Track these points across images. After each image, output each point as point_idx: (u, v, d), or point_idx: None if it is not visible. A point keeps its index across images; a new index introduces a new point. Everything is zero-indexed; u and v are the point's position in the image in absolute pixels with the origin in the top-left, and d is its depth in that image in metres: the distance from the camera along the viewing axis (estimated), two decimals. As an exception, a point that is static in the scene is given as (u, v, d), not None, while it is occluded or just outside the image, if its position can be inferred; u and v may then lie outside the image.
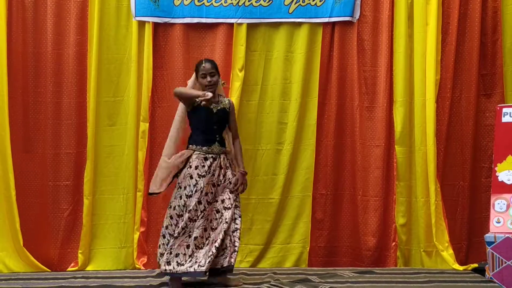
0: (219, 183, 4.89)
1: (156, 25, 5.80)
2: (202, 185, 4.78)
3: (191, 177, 4.81)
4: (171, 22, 5.82)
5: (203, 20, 5.84)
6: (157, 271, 5.59)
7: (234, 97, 5.78)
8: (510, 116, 5.46)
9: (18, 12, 5.71)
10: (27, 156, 5.76)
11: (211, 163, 4.85)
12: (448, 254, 5.72)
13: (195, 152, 4.87)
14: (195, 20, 5.84)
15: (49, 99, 5.77)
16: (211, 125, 4.89)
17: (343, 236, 5.96)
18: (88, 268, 5.75)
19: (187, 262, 4.70)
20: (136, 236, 5.76)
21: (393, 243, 5.87)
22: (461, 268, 5.65)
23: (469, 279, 5.26)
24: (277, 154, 5.92)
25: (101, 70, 5.76)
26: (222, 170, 4.91)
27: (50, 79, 5.76)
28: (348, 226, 5.96)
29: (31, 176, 5.76)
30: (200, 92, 4.75)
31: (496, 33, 5.94)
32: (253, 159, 5.90)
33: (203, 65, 4.91)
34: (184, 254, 4.74)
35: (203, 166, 4.82)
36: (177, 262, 4.74)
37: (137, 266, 5.75)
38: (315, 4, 5.87)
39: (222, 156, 4.92)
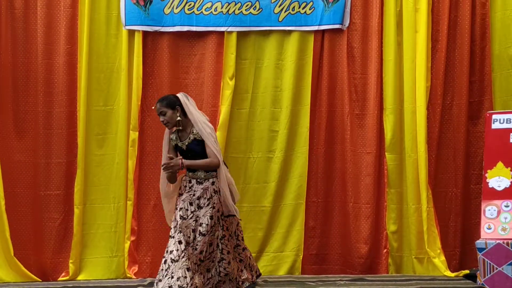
0: (200, 205, 4.75)
1: (146, 34, 5.82)
2: (178, 202, 4.80)
3: (177, 205, 4.83)
4: (161, 30, 5.83)
5: (193, 29, 5.86)
6: (148, 280, 5.59)
7: (225, 105, 5.80)
8: (500, 122, 5.47)
9: (8, 22, 5.73)
10: (17, 166, 5.75)
11: (193, 184, 4.79)
12: (439, 261, 5.72)
13: (183, 178, 4.89)
14: (185, 29, 5.85)
15: (40, 108, 5.77)
16: (189, 158, 4.81)
17: (335, 243, 5.96)
18: (79, 277, 5.74)
19: (164, 277, 4.57)
20: (127, 245, 5.75)
21: (385, 250, 5.87)
22: (452, 274, 5.66)
23: (461, 286, 5.28)
24: (268, 162, 5.93)
25: (91, 79, 5.76)
26: (208, 193, 4.77)
27: (41, 89, 5.77)
28: (340, 234, 5.96)
29: (22, 186, 5.76)
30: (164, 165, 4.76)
31: (484, 39, 5.97)
32: (244, 167, 5.90)
33: (154, 107, 4.89)
34: (161, 269, 4.63)
35: (185, 186, 4.81)
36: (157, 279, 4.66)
37: (128, 275, 5.74)
38: (305, 12, 5.89)
39: (211, 180, 4.81)
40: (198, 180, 4.79)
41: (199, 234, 4.66)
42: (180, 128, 4.82)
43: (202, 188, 4.76)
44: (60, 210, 5.78)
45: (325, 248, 5.94)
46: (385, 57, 5.91)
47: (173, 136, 4.91)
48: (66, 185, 5.77)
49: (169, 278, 4.51)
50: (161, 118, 4.82)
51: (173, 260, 4.56)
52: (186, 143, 4.82)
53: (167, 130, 4.93)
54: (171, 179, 4.83)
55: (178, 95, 4.89)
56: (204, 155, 4.79)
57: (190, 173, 4.83)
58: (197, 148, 4.79)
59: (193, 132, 4.82)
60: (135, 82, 5.77)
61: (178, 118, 4.78)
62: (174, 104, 4.80)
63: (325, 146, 5.94)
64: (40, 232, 5.77)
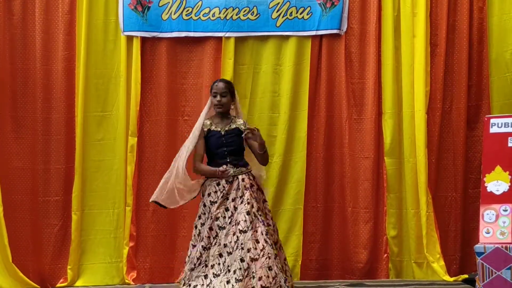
0: (236, 205, 4.52)
1: (144, 40, 5.82)
2: (213, 211, 4.53)
3: (205, 205, 4.62)
4: (159, 36, 5.84)
5: (191, 34, 5.86)
6: (147, 286, 5.59)
7: (223, 110, 5.80)
8: (498, 126, 5.45)
9: (6, 28, 5.72)
10: (16, 172, 5.75)
11: (224, 187, 4.57)
12: (439, 266, 5.72)
13: (208, 180, 4.66)
14: (183, 34, 5.86)
15: (38, 114, 5.77)
16: (220, 148, 4.66)
17: (334, 248, 5.95)
18: (77, 283, 5.73)
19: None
20: (126, 251, 5.74)
21: (385, 255, 5.87)
22: (451, 279, 5.66)
23: (460, 290, 5.28)
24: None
25: (89, 85, 5.77)
26: (240, 192, 4.54)
27: (39, 95, 5.77)
28: (339, 239, 5.95)
29: (20, 192, 5.75)
30: (216, 169, 4.59)
31: (481, 44, 5.97)
32: (242, 172, 5.90)
33: (216, 83, 4.74)
34: (202, 284, 4.44)
35: (216, 192, 4.57)
36: None
37: (126, 281, 5.73)
38: (302, 17, 5.90)
39: (240, 177, 4.59)
40: (228, 180, 4.59)
41: (239, 233, 4.41)
42: (221, 114, 4.71)
43: (234, 189, 4.56)
44: (59, 216, 5.77)
45: (324, 253, 5.94)
46: (383, 62, 5.91)
47: (207, 122, 4.75)
48: (65, 191, 5.76)
49: None
50: (218, 98, 4.65)
51: (215, 275, 4.41)
52: (226, 129, 4.70)
53: (201, 121, 4.75)
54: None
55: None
56: (239, 149, 4.67)
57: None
58: (235, 138, 4.67)
59: (236, 122, 4.74)
60: (133, 87, 5.77)
61: (232, 107, 4.74)
62: (234, 92, 4.78)
63: (324, 151, 5.94)
64: (39, 238, 5.76)
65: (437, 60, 5.93)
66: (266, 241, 4.38)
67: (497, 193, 5.30)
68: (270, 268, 4.30)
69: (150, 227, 5.80)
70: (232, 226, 4.46)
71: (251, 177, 4.65)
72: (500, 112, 5.75)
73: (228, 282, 4.32)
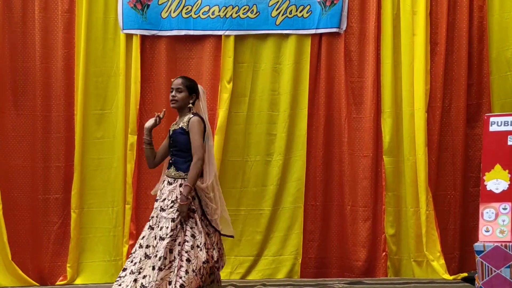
0: (164, 207, 4.32)
1: (143, 38, 5.83)
2: (153, 211, 4.41)
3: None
4: (159, 34, 5.84)
5: (191, 33, 5.86)
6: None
7: (222, 109, 5.81)
8: (498, 125, 5.45)
9: (5, 26, 5.73)
10: (16, 170, 5.76)
11: (164, 187, 4.40)
12: (438, 264, 5.72)
13: (163, 176, 4.55)
14: (183, 33, 5.86)
15: (38, 112, 5.78)
16: (170, 148, 4.50)
17: (333, 247, 5.96)
18: (77, 281, 5.74)
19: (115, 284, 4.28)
20: (125, 249, 5.74)
21: (383, 253, 5.87)
22: (451, 277, 5.65)
23: (459, 289, 5.28)
24: (266, 165, 5.93)
25: (89, 83, 5.77)
26: (173, 195, 4.32)
27: (39, 93, 5.77)
28: (338, 237, 5.96)
29: (20, 190, 5.76)
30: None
31: (482, 42, 5.97)
32: (242, 171, 5.90)
33: (174, 79, 4.52)
34: (119, 276, 4.35)
35: (161, 189, 4.43)
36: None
37: (126, 279, 5.73)
38: (302, 15, 5.89)
39: (179, 181, 4.35)
40: (169, 180, 4.41)
41: (159, 239, 4.23)
42: (178, 112, 4.50)
43: (168, 190, 4.35)
44: (59, 214, 5.79)
45: (323, 252, 5.94)
46: (382, 61, 5.91)
47: (174, 123, 4.60)
48: (64, 189, 5.77)
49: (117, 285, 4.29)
50: (173, 93, 4.43)
51: (132, 272, 4.27)
52: (173, 128, 4.49)
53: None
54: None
55: (199, 86, 4.59)
56: (183, 149, 4.38)
57: (166, 170, 4.50)
58: (179, 138, 4.39)
59: (183, 120, 4.43)
60: (133, 86, 5.77)
61: (190, 105, 4.45)
62: (193, 90, 4.49)
63: (323, 149, 5.94)
64: (38, 236, 5.77)
65: (437, 59, 5.93)
66: (178, 253, 4.23)
67: (497, 191, 5.31)
68: (169, 283, 4.17)
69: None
70: (157, 227, 4.30)
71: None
72: (500, 111, 5.75)
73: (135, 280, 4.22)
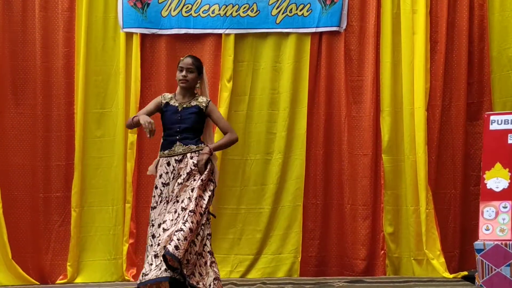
0: (182, 182, 4.34)
1: (143, 36, 5.83)
2: (167, 194, 4.37)
3: (156, 187, 4.45)
4: (159, 33, 5.85)
5: (191, 31, 5.87)
6: (147, 282, 5.58)
7: (223, 107, 5.80)
8: (498, 123, 5.46)
9: (6, 25, 5.74)
10: (16, 169, 5.76)
11: (174, 167, 4.40)
12: (438, 263, 5.71)
13: (160, 159, 4.49)
14: (183, 31, 5.86)
15: (39, 111, 5.79)
16: (173, 125, 4.46)
17: (333, 245, 5.96)
18: (77, 280, 5.75)
19: (152, 270, 4.18)
20: (125, 247, 5.75)
21: (382, 252, 5.87)
22: (451, 276, 5.65)
23: (459, 287, 5.27)
24: (266, 164, 5.93)
25: (89, 82, 5.78)
26: (188, 168, 4.36)
27: (40, 92, 5.78)
28: (338, 235, 5.95)
29: (20, 188, 5.77)
30: (142, 121, 4.38)
31: (482, 41, 5.96)
32: (241, 169, 5.91)
33: (183, 58, 4.55)
34: (150, 263, 4.21)
35: (167, 172, 4.41)
36: (142, 273, 4.27)
37: (126, 278, 5.74)
38: (302, 14, 5.89)
39: (189, 155, 4.39)
40: (176, 159, 4.41)
41: (181, 210, 4.23)
42: (185, 91, 4.51)
43: (178, 168, 4.37)
44: (60, 212, 5.79)
45: (323, 250, 5.94)
46: (382, 60, 5.91)
47: (168, 95, 4.60)
48: (65, 187, 5.78)
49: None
50: (184, 73, 4.45)
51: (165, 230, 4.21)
52: (184, 106, 4.49)
53: (159, 96, 4.62)
54: (131, 126, 4.59)
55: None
56: (193, 127, 4.45)
57: (166, 151, 4.46)
58: (191, 116, 4.45)
59: (198, 100, 4.50)
60: (133, 84, 5.78)
61: (198, 85, 4.54)
62: (201, 70, 4.58)
63: (323, 148, 5.94)
64: (39, 235, 5.78)
65: (437, 58, 5.93)
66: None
67: (497, 190, 5.31)
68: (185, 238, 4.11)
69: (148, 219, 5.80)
70: (177, 202, 4.30)
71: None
72: (502, 109, 5.76)
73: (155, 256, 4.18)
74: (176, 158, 4.41)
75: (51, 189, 5.79)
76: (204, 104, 4.52)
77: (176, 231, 4.12)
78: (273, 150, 5.92)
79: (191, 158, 4.39)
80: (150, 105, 4.61)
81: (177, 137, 4.44)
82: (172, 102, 4.53)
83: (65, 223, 5.78)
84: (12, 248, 5.59)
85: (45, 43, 5.76)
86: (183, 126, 4.46)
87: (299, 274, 5.85)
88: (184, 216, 4.18)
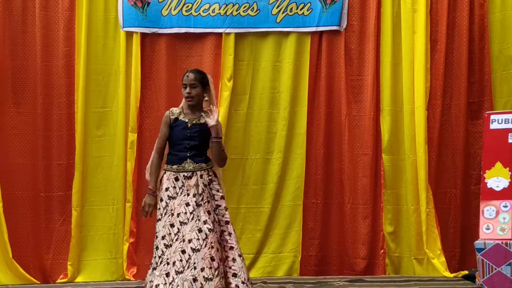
0: (199, 202, 4.31)
1: (144, 36, 5.83)
2: (172, 207, 4.31)
3: (162, 200, 4.37)
4: (159, 32, 5.84)
5: (191, 30, 5.86)
6: (147, 282, 5.58)
7: (223, 107, 5.80)
8: (498, 123, 5.46)
9: (6, 24, 5.74)
10: (17, 168, 5.76)
11: (183, 183, 4.36)
12: (439, 262, 5.71)
13: (166, 172, 4.42)
14: (183, 30, 5.86)
15: (39, 110, 5.79)
16: (183, 141, 4.39)
17: (333, 244, 5.96)
18: (78, 279, 5.75)
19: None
20: (126, 247, 5.75)
21: (381, 251, 5.87)
22: (451, 275, 5.65)
23: (460, 286, 5.28)
24: (266, 163, 5.93)
25: (89, 81, 5.78)
26: (200, 188, 4.35)
27: (40, 91, 5.78)
28: (338, 235, 5.95)
29: (21, 188, 5.77)
30: (145, 200, 4.40)
31: (483, 40, 5.96)
32: (242, 169, 5.91)
33: (187, 74, 4.44)
34: (165, 283, 4.16)
35: (174, 187, 4.36)
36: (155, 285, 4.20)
37: (127, 277, 5.75)
38: (303, 13, 5.89)
39: (199, 173, 4.37)
40: (185, 175, 4.38)
41: (208, 231, 4.24)
42: (192, 106, 4.43)
43: (190, 185, 4.36)
44: (61, 211, 5.79)
45: (323, 249, 5.94)
46: (382, 59, 5.91)
47: (176, 110, 4.47)
48: (67, 186, 5.78)
49: None
50: (188, 90, 4.36)
51: (177, 272, 4.17)
52: (194, 122, 4.41)
53: (167, 113, 4.50)
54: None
55: (208, 75, 4.55)
56: (202, 145, 4.39)
57: (175, 166, 4.40)
58: (200, 133, 4.38)
59: (205, 117, 4.40)
60: (133, 84, 5.78)
61: (206, 98, 4.43)
62: (207, 83, 4.46)
63: (323, 147, 5.93)
64: (40, 234, 5.78)
65: (437, 57, 5.92)
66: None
67: (497, 189, 5.32)
68: (212, 259, 4.18)
69: (150, 224, 5.76)
70: (195, 221, 4.25)
71: (210, 173, 4.44)
72: (503, 108, 5.76)
73: (195, 280, 4.14)
74: (185, 174, 4.37)
75: (52, 188, 5.80)
76: (210, 122, 4.38)
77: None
78: (273, 149, 5.92)
79: (201, 177, 4.38)
80: (163, 128, 4.48)
81: (187, 154, 4.39)
82: (181, 117, 4.44)
83: (66, 222, 5.78)
84: (13, 247, 5.59)
85: (46, 43, 5.76)
86: (192, 143, 4.39)
87: (299, 273, 5.85)
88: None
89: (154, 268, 4.26)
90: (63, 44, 5.77)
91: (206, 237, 4.21)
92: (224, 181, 5.57)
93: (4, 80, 5.74)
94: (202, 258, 4.16)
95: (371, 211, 5.88)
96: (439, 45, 5.92)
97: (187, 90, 4.38)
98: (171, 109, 4.51)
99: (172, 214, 4.31)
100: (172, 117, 4.44)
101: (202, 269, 4.14)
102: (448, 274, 5.65)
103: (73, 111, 5.78)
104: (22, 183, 5.78)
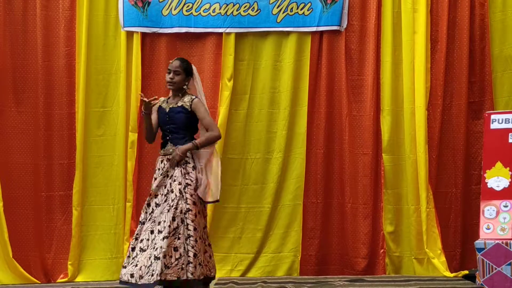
0: (171, 183, 4.54)
1: (144, 35, 5.84)
2: (153, 188, 4.58)
3: (155, 179, 4.64)
4: (160, 32, 5.85)
5: (192, 30, 5.87)
6: (147, 281, 5.59)
7: (223, 107, 5.81)
8: (498, 122, 5.45)
9: (7, 24, 5.76)
10: (18, 167, 5.78)
11: (165, 165, 4.59)
12: (439, 262, 5.71)
13: (159, 158, 4.71)
14: (184, 30, 5.87)
15: (40, 110, 5.80)
16: (165, 126, 4.67)
17: (333, 244, 5.96)
18: (78, 279, 5.76)
19: (129, 264, 4.45)
20: (126, 246, 5.74)
21: (381, 251, 5.87)
22: (451, 275, 5.65)
23: (460, 286, 5.27)
24: (266, 163, 5.93)
25: (90, 81, 5.79)
26: (177, 170, 4.55)
27: (41, 91, 5.79)
28: (338, 234, 5.95)
29: (22, 187, 5.78)
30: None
31: (483, 40, 5.96)
32: (242, 168, 5.91)
33: (172, 61, 4.70)
34: (128, 256, 4.50)
35: (159, 169, 4.62)
36: (122, 265, 4.54)
37: (127, 276, 5.74)
38: (303, 13, 5.89)
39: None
40: (168, 157, 4.60)
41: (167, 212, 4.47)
42: (174, 92, 4.69)
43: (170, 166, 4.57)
44: (62, 211, 5.81)
45: (323, 249, 5.94)
46: (383, 58, 5.91)
47: (162, 98, 4.78)
48: (68, 186, 5.79)
49: (133, 266, 4.42)
50: (171, 75, 4.61)
51: (142, 250, 4.44)
52: (171, 106, 4.66)
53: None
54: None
55: (193, 66, 4.79)
56: (181, 127, 4.61)
57: (162, 151, 4.68)
58: (179, 116, 4.60)
59: (183, 100, 4.64)
60: (133, 83, 5.78)
61: (185, 86, 4.67)
62: (190, 72, 4.71)
63: (323, 147, 5.93)
64: (40, 233, 5.79)
65: (438, 56, 5.92)
66: (182, 221, 4.45)
67: (498, 189, 5.31)
68: (176, 249, 4.38)
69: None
70: (167, 204, 4.48)
71: (188, 155, 4.57)
72: (505, 108, 5.76)
73: (155, 258, 4.35)
74: (168, 157, 4.59)
75: (54, 188, 5.81)
76: (188, 104, 4.63)
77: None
78: (273, 149, 5.92)
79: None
80: (153, 113, 4.76)
81: (168, 137, 4.65)
82: (163, 105, 4.71)
83: (67, 221, 5.80)
84: (14, 247, 5.61)
85: (46, 42, 5.78)
86: (171, 127, 4.63)
87: (299, 273, 5.85)
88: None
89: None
90: (63, 43, 5.78)
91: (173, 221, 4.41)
92: (224, 180, 5.62)
93: (5, 80, 5.75)
94: (167, 246, 4.33)
95: (371, 211, 5.88)
96: (440, 45, 5.92)
97: (170, 75, 4.63)
98: (159, 98, 4.77)
99: (150, 195, 4.59)
100: (158, 105, 4.72)
101: (165, 256, 4.32)
102: (448, 273, 5.65)
103: (74, 111, 5.80)
104: (23, 182, 5.79)
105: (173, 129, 4.63)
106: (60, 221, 5.80)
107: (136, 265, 4.39)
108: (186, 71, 4.67)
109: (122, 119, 5.78)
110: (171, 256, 4.35)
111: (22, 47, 5.80)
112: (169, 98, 4.76)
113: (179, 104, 4.64)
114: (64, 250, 5.78)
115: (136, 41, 5.79)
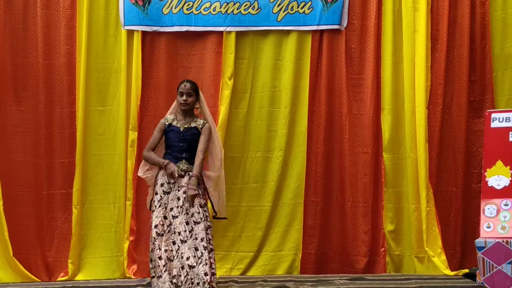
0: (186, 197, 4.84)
1: (144, 34, 5.83)
2: (166, 201, 4.83)
3: (156, 194, 4.89)
4: (160, 30, 5.85)
5: (192, 29, 5.87)
6: (148, 279, 5.58)
7: (224, 105, 5.81)
8: (499, 121, 5.47)
9: (7, 23, 5.75)
10: (18, 166, 5.77)
11: (176, 179, 4.86)
12: (439, 260, 5.72)
13: (162, 170, 4.93)
14: (184, 29, 5.86)
15: (41, 109, 5.80)
16: (178, 143, 4.94)
17: (333, 242, 5.96)
18: (78, 277, 5.75)
19: (163, 272, 4.70)
20: (126, 245, 5.76)
21: (382, 249, 5.88)
22: (452, 273, 5.65)
23: (460, 285, 5.27)
24: (266, 161, 5.93)
25: (90, 80, 5.79)
26: (185, 179, 4.89)
27: (41, 90, 5.79)
28: (338, 233, 5.96)
29: (22, 186, 5.77)
30: (163, 161, 4.90)
31: (484, 39, 5.96)
32: (242, 167, 5.92)
33: (184, 84, 4.99)
34: (158, 265, 4.74)
35: (168, 183, 4.87)
36: (156, 276, 4.78)
37: (127, 275, 5.75)
38: (304, 12, 5.89)
39: (190, 173, 4.88)
40: (179, 173, 4.88)
41: (194, 224, 4.79)
42: (185, 113, 4.98)
43: (185, 183, 4.85)
44: (63, 209, 5.81)
45: (324, 247, 5.94)
46: (383, 57, 5.91)
47: (170, 117, 5.04)
48: (69, 184, 5.78)
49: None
50: (185, 97, 4.93)
51: (190, 267, 4.69)
52: (186, 126, 4.95)
53: (162, 121, 5.06)
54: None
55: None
56: (193, 146, 4.91)
57: (173, 164, 4.89)
58: (192, 136, 4.93)
59: (196, 122, 4.98)
60: (134, 82, 5.78)
61: (197, 106, 5.04)
62: (198, 92, 5.07)
63: (324, 145, 5.94)
64: (41, 232, 5.79)
65: (438, 55, 5.93)
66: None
67: (498, 187, 5.33)
68: (196, 249, 4.74)
69: (150, 222, 5.80)
70: (184, 215, 4.79)
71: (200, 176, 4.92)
72: (505, 107, 5.78)
73: (182, 267, 4.71)
74: (179, 173, 4.86)
75: (55, 186, 5.81)
76: (200, 126, 4.97)
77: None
78: (273, 148, 5.93)
79: (189, 179, 4.85)
80: (156, 135, 5.05)
81: (183, 155, 4.92)
82: (174, 123, 4.98)
83: (68, 220, 5.79)
84: (15, 245, 5.60)
85: (47, 41, 5.77)
86: (186, 145, 4.92)
87: (299, 271, 5.86)
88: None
89: (152, 250, 4.80)
90: (64, 42, 5.78)
91: (192, 229, 4.77)
92: (225, 179, 5.62)
93: (5, 78, 5.75)
94: (188, 248, 4.70)
95: (371, 209, 5.88)
96: (440, 43, 5.92)
97: (184, 97, 4.96)
98: (165, 116, 5.07)
99: (166, 208, 4.82)
100: (167, 123, 5.00)
101: (188, 258, 4.69)
102: (448, 272, 5.65)
103: (74, 109, 5.79)
104: (23, 181, 5.79)
105: (186, 147, 4.92)
106: (61, 219, 5.80)
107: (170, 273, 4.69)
108: (196, 92, 5.02)
109: (122, 117, 5.78)
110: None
111: (23, 45, 5.79)
112: (176, 116, 5.02)
113: (193, 125, 4.97)
114: (64, 249, 5.78)
115: (137, 40, 5.78)
